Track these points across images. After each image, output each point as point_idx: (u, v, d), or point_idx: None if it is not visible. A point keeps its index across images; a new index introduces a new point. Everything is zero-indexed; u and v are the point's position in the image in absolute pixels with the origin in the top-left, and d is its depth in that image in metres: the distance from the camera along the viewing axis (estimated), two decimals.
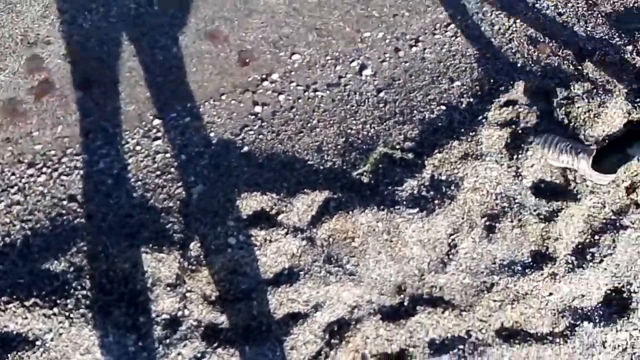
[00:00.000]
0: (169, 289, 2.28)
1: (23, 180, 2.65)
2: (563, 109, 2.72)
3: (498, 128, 2.67)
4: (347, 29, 3.25)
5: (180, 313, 2.24)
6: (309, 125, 2.84)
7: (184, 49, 3.12)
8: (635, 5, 3.35)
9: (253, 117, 2.89)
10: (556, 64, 3.02)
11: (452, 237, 2.37)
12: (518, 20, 3.25)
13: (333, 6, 3.33)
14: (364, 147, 2.73)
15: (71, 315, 2.18)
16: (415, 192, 2.48)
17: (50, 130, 2.82)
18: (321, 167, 2.67)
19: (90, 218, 2.51)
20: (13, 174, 2.70)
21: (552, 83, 2.87)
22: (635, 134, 2.40)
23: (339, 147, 2.75)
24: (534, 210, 2.42)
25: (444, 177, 2.51)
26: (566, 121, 2.71)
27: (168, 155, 2.73)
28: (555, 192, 2.51)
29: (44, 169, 2.70)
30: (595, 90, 2.74)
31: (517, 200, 2.45)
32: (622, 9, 3.34)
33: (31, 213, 2.53)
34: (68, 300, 2.22)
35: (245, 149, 2.76)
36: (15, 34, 3.09)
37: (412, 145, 2.69)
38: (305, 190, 2.51)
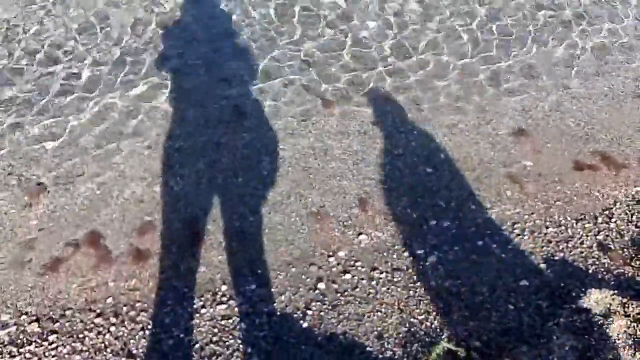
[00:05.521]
0: None
1: (88, 328, 2.74)
2: None
3: (571, 337, 2.54)
4: (414, 215, 3.39)
5: None
6: (371, 308, 2.83)
7: (260, 219, 3.34)
8: None
9: (317, 292, 2.93)
10: (630, 275, 2.95)
11: None
12: (587, 223, 3.28)
13: (402, 193, 3.53)
14: (427, 339, 2.65)
15: None
16: None
17: (124, 283, 2.97)
18: (381, 356, 2.59)
19: None
20: (81, 320, 2.80)
21: (627, 295, 2.77)
22: None
23: (400, 335, 2.68)
24: None
25: None
26: None
27: (230, 321, 2.76)
28: None
29: (111, 319, 2.79)
30: None
31: None
32: None
33: None
34: None
35: (306, 324, 2.75)
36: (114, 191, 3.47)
37: (478, 344, 2.58)
38: None
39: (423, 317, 2.77)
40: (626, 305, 2.69)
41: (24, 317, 2.79)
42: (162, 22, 4.64)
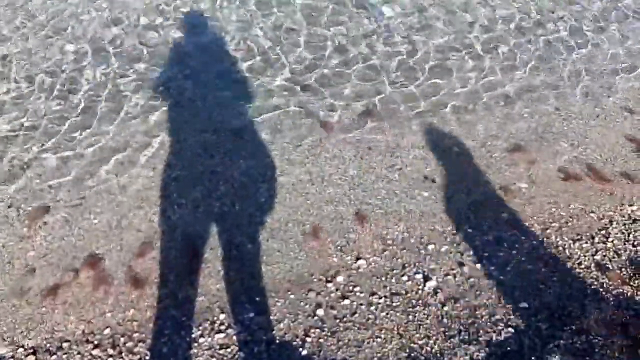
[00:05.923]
0: None
1: None
2: None
3: (572, 358, 2.52)
4: (412, 240, 3.40)
5: None
6: (371, 334, 2.81)
7: (257, 246, 3.34)
8: None
9: (316, 318, 2.91)
10: (629, 294, 2.94)
11: None
12: (585, 244, 3.29)
13: (399, 217, 3.54)
14: None
15: None
16: None
17: (122, 314, 2.95)
18: None
19: None
20: (79, 352, 2.77)
21: (627, 315, 2.76)
22: None
23: None
24: None
25: None
26: None
27: (229, 350, 2.74)
28: None
29: (109, 350, 2.76)
30: None
31: None
32: None
33: None
34: None
35: (305, 352, 2.73)
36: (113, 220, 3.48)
37: None
38: None
39: (423, 341, 2.75)
40: (626, 325, 2.68)
41: (21, 350, 2.77)
42: (161, 52, 4.73)
